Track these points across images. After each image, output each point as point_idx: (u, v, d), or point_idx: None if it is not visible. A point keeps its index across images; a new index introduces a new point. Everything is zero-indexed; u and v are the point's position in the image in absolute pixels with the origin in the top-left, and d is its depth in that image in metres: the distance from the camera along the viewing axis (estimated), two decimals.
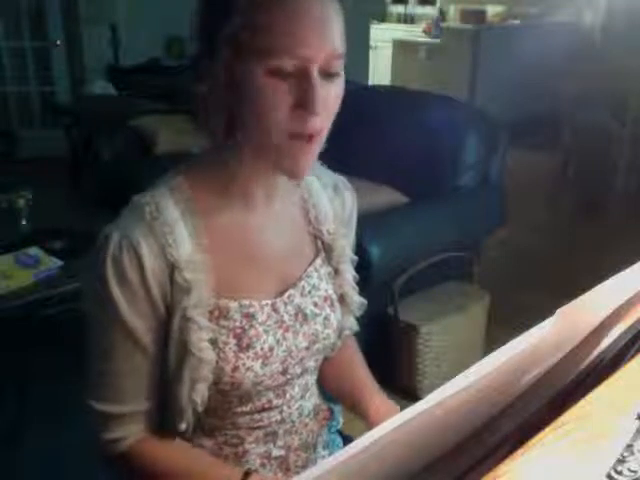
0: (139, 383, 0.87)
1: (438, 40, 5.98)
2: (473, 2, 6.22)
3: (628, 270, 0.60)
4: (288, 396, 0.94)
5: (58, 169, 4.17)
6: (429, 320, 2.20)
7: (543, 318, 0.51)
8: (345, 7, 0.80)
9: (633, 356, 0.76)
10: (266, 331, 0.88)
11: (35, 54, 4.89)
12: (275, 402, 0.93)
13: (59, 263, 2.06)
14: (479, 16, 5.91)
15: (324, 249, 0.97)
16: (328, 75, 0.77)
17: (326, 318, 0.94)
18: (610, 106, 4.37)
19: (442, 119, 2.52)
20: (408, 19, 7.13)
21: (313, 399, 1.02)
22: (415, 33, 6.50)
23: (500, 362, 0.49)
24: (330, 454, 1.03)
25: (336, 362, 1.05)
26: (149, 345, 0.85)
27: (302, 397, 0.98)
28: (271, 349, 0.88)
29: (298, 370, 0.93)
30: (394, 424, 0.44)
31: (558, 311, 0.51)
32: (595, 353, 0.68)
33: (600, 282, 0.55)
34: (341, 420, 1.10)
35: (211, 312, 0.85)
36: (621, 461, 0.60)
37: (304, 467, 0.99)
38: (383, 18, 7.10)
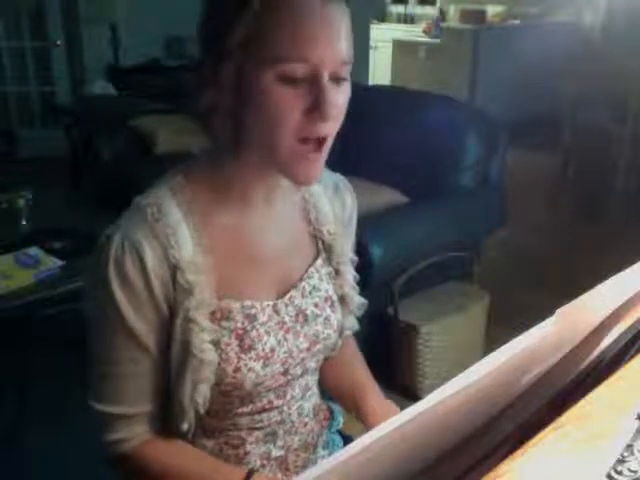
0: (142, 384, 0.87)
1: (438, 40, 5.98)
2: (473, 2, 6.22)
3: (628, 270, 0.60)
4: (288, 396, 0.94)
5: (58, 169, 4.18)
6: (429, 320, 2.20)
7: (543, 318, 0.51)
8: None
9: (633, 356, 0.76)
10: (267, 332, 0.88)
11: (35, 54, 4.89)
12: (276, 402, 0.93)
13: (59, 263, 2.07)
14: (479, 16, 5.91)
15: (324, 250, 0.97)
16: (337, 80, 0.77)
17: (327, 319, 0.94)
18: (610, 106, 4.37)
19: (442, 119, 2.52)
20: (408, 19, 7.13)
21: (313, 399, 1.02)
22: (415, 33, 6.50)
23: (500, 362, 0.49)
24: (330, 454, 1.03)
25: (336, 362, 1.06)
26: (151, 346, 0.85)
27: (302, 397, 0.98)
28: (272, 350, 0.88)
29: (299, 371, 0.93)
30: (394, 424, 0.44)
31: (558, 311, 0.51)
32: (595, 353, 0.68)
33: (600, 282, 0.55)
34: (341, 420, 1.10)
35: (213, 313, 0.85)
36: (621, 461, 0.60)
37: (304, 467, 0.99)
38: (383, 18, 7.10)
